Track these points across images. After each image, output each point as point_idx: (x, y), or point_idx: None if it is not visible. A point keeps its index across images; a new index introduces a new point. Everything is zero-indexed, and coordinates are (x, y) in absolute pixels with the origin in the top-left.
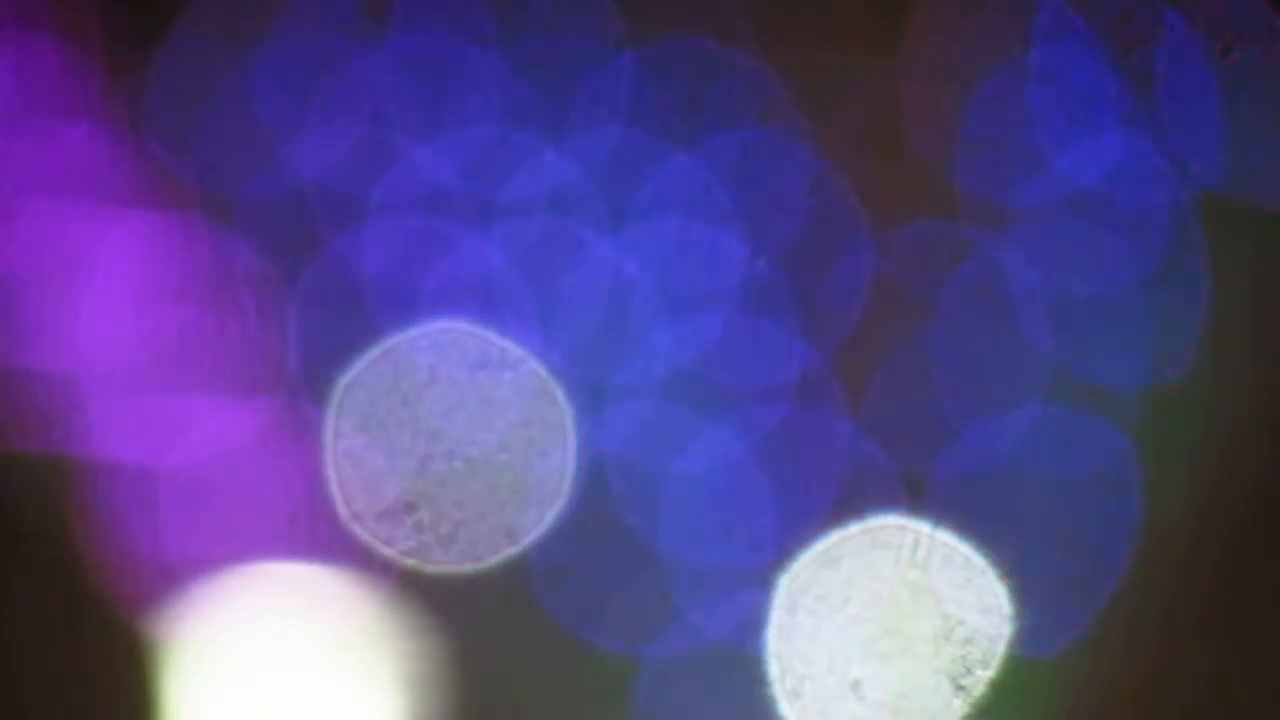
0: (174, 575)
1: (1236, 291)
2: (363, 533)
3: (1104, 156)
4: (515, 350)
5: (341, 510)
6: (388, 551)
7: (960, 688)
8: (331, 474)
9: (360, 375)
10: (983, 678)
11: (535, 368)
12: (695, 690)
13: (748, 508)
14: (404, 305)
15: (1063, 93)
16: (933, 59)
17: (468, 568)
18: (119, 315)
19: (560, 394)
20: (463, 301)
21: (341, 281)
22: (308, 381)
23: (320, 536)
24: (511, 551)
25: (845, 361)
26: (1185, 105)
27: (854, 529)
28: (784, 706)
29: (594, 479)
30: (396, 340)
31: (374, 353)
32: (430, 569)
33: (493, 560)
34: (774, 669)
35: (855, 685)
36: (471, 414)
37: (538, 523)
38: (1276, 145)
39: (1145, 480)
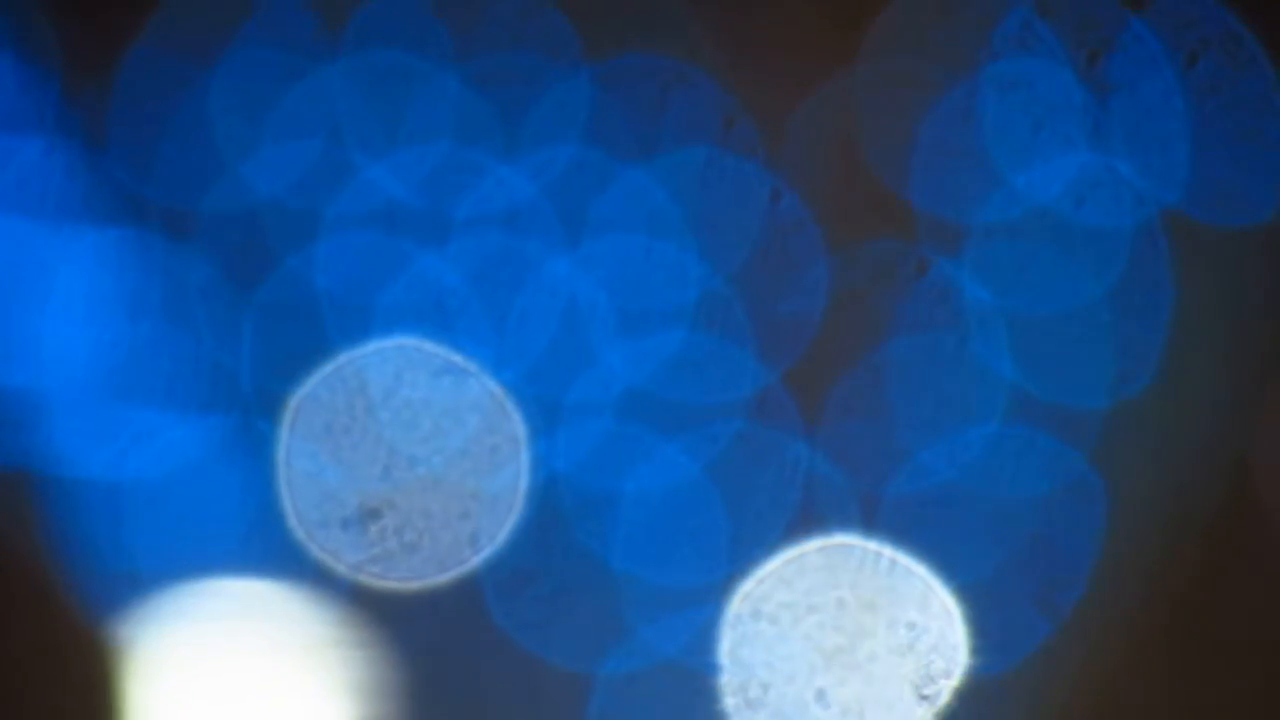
0: (130, 587)
1: (1199, 309)
2: (317, 546)
3: (1066, 171)
4: (470, 366)
5: (296, 524)
6: (341, 565)
7: (924, 698)
8: (285, 488)
9: (315, 390)
10: (946, 687)
11: (490, 384)
12: (647, 708)
13: (702, 525)
14: (359, 320)
15: (1024, 106)
16: (892, 73)
17: (420, 582)
18: (76, 330)
19: (515, 410)
20: (418, 317)
21: (297, 296)
22: (263, 396)
23: (275, 549)
24: (464, 567)
25: (801, 379)
26: (1150, 117)
27: (810, 546)
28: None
29: (548, 495)
30: (352, 355)
31: (329, 368)
32: (383, 583)
33: (445, 575)
34: (734, 679)
35: (819, 694)
36: (425, 430)
37: (491, 538)
38: (1242, 158)
39: (1106, 498)
